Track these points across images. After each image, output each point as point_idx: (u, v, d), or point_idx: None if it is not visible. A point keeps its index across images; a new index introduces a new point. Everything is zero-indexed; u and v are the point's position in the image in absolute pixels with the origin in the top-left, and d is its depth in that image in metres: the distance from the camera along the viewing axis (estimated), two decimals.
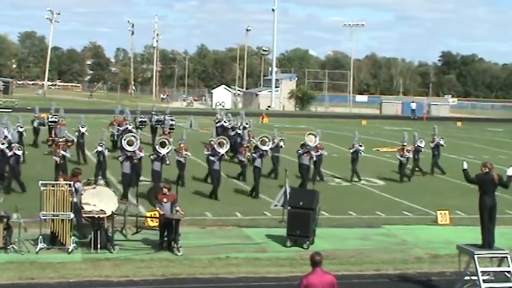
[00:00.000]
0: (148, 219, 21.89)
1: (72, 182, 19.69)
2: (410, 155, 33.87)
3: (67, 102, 68.76)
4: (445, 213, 24.94)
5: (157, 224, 20.95)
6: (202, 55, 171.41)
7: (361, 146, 33.42)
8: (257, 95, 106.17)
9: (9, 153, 27.36)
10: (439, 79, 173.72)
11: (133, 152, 27.10)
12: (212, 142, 29.62)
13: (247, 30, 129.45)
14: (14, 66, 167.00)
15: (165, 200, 20.09)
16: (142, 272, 17.48)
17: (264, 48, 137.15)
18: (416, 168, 35.30)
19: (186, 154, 29.58)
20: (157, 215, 20.63)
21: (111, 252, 19.05)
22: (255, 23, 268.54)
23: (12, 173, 27.48)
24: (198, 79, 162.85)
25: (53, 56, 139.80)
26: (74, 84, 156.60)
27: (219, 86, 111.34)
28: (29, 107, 47.54)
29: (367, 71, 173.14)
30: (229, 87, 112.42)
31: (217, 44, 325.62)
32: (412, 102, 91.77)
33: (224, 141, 28.71)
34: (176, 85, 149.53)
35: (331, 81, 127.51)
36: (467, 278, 16.40)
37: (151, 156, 27.80)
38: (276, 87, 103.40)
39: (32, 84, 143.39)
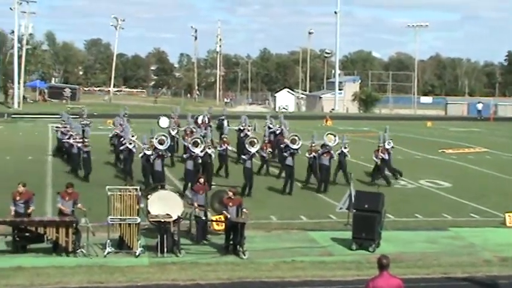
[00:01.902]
0: (214, 223, 22.03)
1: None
2: (386, 156, 32.07)
3: (133, 107, 69.53)
4: None
5: (222, 227, 21.08)
6: (265, 59, 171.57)
7: (346, 148, 31.56)
8: (320, 97, 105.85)
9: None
10: (506, 79, 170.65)
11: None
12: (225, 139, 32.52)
13: (309, 33, 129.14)
14: (81, 73, 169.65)
15: (230, 204, 20.21)
16: (209, 276, 17.59)
17: (327, 50, 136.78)
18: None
19: (269, 151, 30.35)
20: (223, 219, 20.76)
21: (178, 256, 19.22)
22: (317, 26, 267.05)
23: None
24: (261, 83, 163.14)
25: (118, 62, 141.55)
26: (138, 89, 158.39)
27: (282, 89, 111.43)
28: (95, 113, 48.20)
29: (432, 72, 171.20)
30: (292, 90, 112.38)
31: (280, 47, 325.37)
32: (478, 102, 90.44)
33: (255, 141, 29.96)
34: (239, 89, 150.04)
35: (395, 82, 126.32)
36: None
37: (184, 155, 29.34)
38: (339, 89, 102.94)
39: (98, 90, 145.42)
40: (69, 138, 33.72)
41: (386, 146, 32.44)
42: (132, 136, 31.68)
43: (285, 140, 31.92)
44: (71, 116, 41.66)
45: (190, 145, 29.29)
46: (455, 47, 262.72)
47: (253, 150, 29.26)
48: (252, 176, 28.94)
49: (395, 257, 18.48)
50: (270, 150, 34.45)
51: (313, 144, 30.58)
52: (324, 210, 25.81)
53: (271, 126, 38.84)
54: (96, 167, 33.10)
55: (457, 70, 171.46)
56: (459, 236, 22.73)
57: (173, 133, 37.52)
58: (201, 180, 21.92)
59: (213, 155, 30.13)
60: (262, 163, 33.47)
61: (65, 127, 36.84)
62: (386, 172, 32.14)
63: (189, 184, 26.60)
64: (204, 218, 21.34)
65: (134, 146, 30.87)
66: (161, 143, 28.71)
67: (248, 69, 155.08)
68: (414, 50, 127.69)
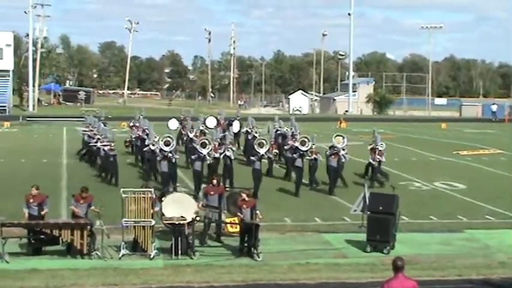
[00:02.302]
0: (228, 225, 22.04)
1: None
2: (383, 159, 31.66)
3: (147, 110, 69.63)
4: None
5: (237, 230, 21.09)
6: (278, 61, 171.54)
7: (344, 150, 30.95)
8: (334, 99, 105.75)
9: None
10: None
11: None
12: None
13: (323, 35, 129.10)
14: (95, 76, 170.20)
15: (244, 206, 20.22)
16: (223, 278, 17.60)
17: (340, 52, 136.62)
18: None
19: (275, 153, 30.30)
20: (237, 221, 20.78)
21: (192, 258, 19.24)
22: (331, 28, 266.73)
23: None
24: (275, 85, 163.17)
25: (132, 65, 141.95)
26: (153, 92, 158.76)
27: (296, 91, 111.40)
28: (109, 116, 48.31)
29: (446, 73, 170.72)
30: (306, 92, 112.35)
31: (294, 49, 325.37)
32: (493, 104, 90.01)
33: (264, 142, 29.92)
34: (253, 91, 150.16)
35: (409, 84, 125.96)
36: None
37: (193, 156, 29.26)
38: (353, 91, 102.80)
39: (113, 93, 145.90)
40: (96, 142, 33.66)
41: (380, 148, 32.14)
42: (155, 137, 31.71)
43: (290, 142, 31.88)
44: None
45: (198, 146, 29.38)
46: (470, 48, 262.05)
47: (262, 151, 29.21)
48: (261, 178, 28.91)
49: (410, 259, 18.42)
50: (276, 151, 34.60)
51: (313, 146, 30.49)
52: (338, 212, 25.77)
53: (279, 128, 38.88)
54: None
55: (472, 71, 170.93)
56: (474, 238, 22.64)
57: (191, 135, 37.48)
58: (214, 181, 21.92)
59: (232, 157, 30.14)
60: (270, 165, 33.29)
61: (91, 130, 36.86)
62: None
63: (201, 185, 26.72)
64: (215, 219, 21.31)
65: (157, 148, 30.77)
66: (167, 144, 28.81)
67: (262, 71, 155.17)
68: (428, 51, 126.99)
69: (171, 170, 28.89)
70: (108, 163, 31.09)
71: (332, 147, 30.28)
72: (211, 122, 42.04)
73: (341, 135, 30.98)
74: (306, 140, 30.45)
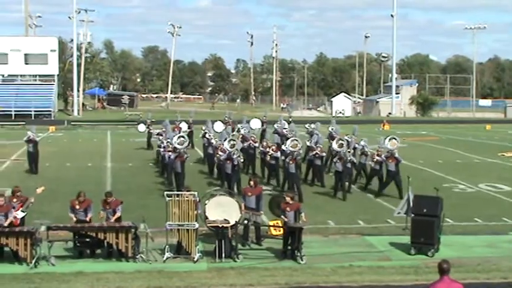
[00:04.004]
0: (271, 228, 22.06)
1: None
2: (379, 158, 29.96)
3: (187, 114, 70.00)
4: None
5: (280, 232, 21.11)
6: (321, 63, 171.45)
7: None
8: (377, 102, 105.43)
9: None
10: None
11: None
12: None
13: (366, 37, 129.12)
14: (138, 80, 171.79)
15: (288, 209, 20.21)
16: (267, 281, 17.62)
17: (383, 54, 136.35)
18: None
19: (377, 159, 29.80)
20: (280, 224, 20.79)
21: (235, 261, 19.29)
22: (373, 30, 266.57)
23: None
24: (318, 87, 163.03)
25: (175, 69, 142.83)
26: (195, 96, 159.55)
27: (339, 94, 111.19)
28: (153, 120, 48.66)
29: (490, 74, 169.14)
30: (349, 94, 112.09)
31: (336, 52, 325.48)
32: None
33: (296, 143, 29.78)
34: (296, 94, 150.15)
35: (452, 85, 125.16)
36: None
37: (222, 158, 29.44)
38: (396, 93, 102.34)
39: (156, 97, 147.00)
40: (162, 147, 33.87)
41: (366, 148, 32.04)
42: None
43: (319, 147, 31.69)
44: (129, 123, 42.17)
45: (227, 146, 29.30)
46: None
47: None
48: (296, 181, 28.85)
49: (454, 262, 18.21)
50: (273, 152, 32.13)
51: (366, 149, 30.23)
52: (382, 215, 25.64)
53: (281, 129, 39.00)
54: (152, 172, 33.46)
55: None
56: None
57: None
58: (251, 182, 21.87)
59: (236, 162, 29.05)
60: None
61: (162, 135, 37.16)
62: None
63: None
64: (254, 221, 21.30)
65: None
66: (180, 144, 28.95)
67: (304, 74, 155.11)
68: (472, 52, 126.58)
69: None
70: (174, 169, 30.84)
71: (388, 150, 29.72)
72: (218, 126, 42.14)
73: (395, 138, 30.49)
74: (343, 142, 30.22)
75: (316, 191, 30.43)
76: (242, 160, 30.69)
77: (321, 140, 33.71)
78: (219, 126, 41.62)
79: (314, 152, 30.89)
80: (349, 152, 30.19)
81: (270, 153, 31.12)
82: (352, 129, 36.04)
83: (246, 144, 34.02)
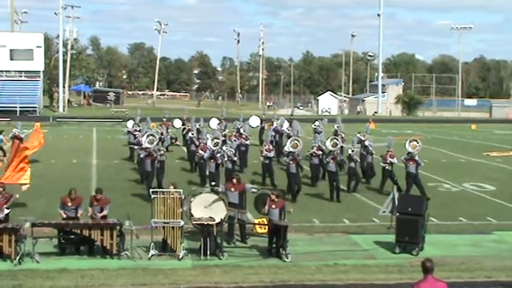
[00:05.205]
0: (257, 226, 22.07)
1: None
2: (395, 160, 29.90)
3: (176, 111, 69.97)
4: None
5: (265, 230, 21.12)
6: (307, 62, 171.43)
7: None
8: (363, 100, 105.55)
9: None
10: None
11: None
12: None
13: (352, 36, 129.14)
14: (125, 77, 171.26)
15: (273, 206, 20.23)
16: (252, 279, 17.63)
17: (369, 53, 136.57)
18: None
19: (390, 161, 29.67)
20: (266, 222, 20.80)
21: (221, 259, 19.29)
22: (360, 29, 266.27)
23: None
24: (304, 86, 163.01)
25: (162, 66, 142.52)
26: (182, 93, 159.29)
27: (325, 92, 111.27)
28: (139, 117, 48.53)
29: (476, 74, 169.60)
30: (335, 93, 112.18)
31: (323, 50, 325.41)
32: None
33: (297, 143, 29.69)
34: (282, 92, 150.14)
35: (438, 85, 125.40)
36: None
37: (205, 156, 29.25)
38: (382, 92, 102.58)
39: (142, 94, 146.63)
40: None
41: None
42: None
43: (313, 145, 31.67)
44: (114, 120, 42.15)
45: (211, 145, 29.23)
46: (500, 49, 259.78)
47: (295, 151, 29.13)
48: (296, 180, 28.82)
49: (438, 261, 18.29)
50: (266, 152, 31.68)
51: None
52: (367, 214, 25.71)
53: (279, 128, 39.04)
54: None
55: (502, 72, 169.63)
56: (503, 239, 22.48)
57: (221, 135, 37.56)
58: (234, 180, 21.92)
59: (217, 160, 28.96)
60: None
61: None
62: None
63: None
64: (238, 218, 21.30)
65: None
66: (150, 142, 28.87)
67: (291, 72, 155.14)
68: (458, 52, 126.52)
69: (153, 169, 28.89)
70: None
71: (408, 153, 29.54)
72: (254, 121, 44.07)
73: (416, 140, 30.28)
74: (337, 141, 30.19)
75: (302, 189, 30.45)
76: (235, 159, 30.63)
77: (318, 138, 33.62)
78: (213, 123, 41.71)
79: (311, 151, 30.84)
80: (352, 150, 30.31)
81: (263, 154, 31.05)
82: (365, 128, 36.07)
83: (238, 141, 33.98)
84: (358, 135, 33.96)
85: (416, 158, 29.08)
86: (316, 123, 39.16)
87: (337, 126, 37.93)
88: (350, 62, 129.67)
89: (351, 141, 33.61)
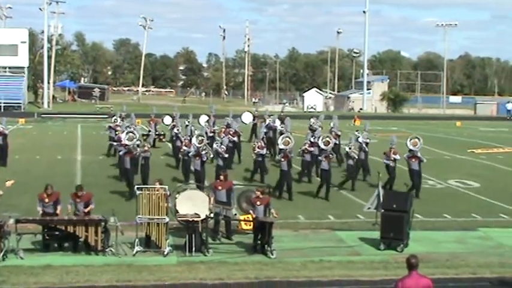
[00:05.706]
0: (242, 223, 22.06)
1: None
2: (398, 157, 29.78)
3: (162, 107, 69.85)
4: None
5: (250, 227, 21.11)
6: (293, 58, 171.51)
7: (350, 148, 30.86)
8: (349, 97, 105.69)
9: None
10: None
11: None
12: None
13: (338, 32, 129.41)
14: (110, 73, 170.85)
15: (258, 203, 20.23)
16: (237, 275, 17.62)
17: (355, 50, 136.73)
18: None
19: (394, 157, 29.61)
20: (251, 218, 20.79)
21: (206, 255, 19.28)
22: (346, 26, 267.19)
23: None
24: (289, 82, 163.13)
25: (147, 62, 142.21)
26: (167, 89, 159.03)
27: (311, 89, 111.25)
28: (124, 113, 48.38)
29: (461, 71, 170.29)
30: (320, 90, 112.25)
31: (308, 47, 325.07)
32: (508, 102, 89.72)
33: (289, 140, 29.24)
34: (267, 89, 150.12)
35: (423, 82, 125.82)
36: None
37: (190, 153, 28.85)
38: (367, 89, 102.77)
39: (127, 90, 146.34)
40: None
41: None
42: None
43: (307, 142, 31.60)
44: (99, 116, 42.02)
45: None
46: (485, 46, 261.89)
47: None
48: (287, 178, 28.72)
49: (423, 257, 18.34)
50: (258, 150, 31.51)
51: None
52: (352, 210, 25.75)
53: (272, 124, 39.07)
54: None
55: (487, 69, 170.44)
56: (488, 236, 22.57)
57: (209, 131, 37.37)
58: (221, 177, 21.94)
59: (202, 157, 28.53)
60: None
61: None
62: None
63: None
64: (224, 215, 21.31)
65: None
66: (130, 139, 28.72)
67: (276, 68, 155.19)
68: (443, 49, 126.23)
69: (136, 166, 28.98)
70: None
71: (410, 150, 29.51)
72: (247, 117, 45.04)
73: (417, 137, 30.24)
74: (329, 140, 30.12)
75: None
76: (227, 155, 30.55)
77: (316, 134, 33.49)
78: (202, 119, 41.63)
79: (303, 148, 30.80)
80: (349, 148, 30.35)
81: (255, 151, 30.96)
82: (363, 125, 36.03)
83: (226, 137, 33.87)
84: (356, 133, 33.97)
85: (419, 154, 29.18)
86: (312, 120, 39.16)
87: (333, 124, 37.94)
88: (336, 58, 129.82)
89: (347, 138, 33.62)
